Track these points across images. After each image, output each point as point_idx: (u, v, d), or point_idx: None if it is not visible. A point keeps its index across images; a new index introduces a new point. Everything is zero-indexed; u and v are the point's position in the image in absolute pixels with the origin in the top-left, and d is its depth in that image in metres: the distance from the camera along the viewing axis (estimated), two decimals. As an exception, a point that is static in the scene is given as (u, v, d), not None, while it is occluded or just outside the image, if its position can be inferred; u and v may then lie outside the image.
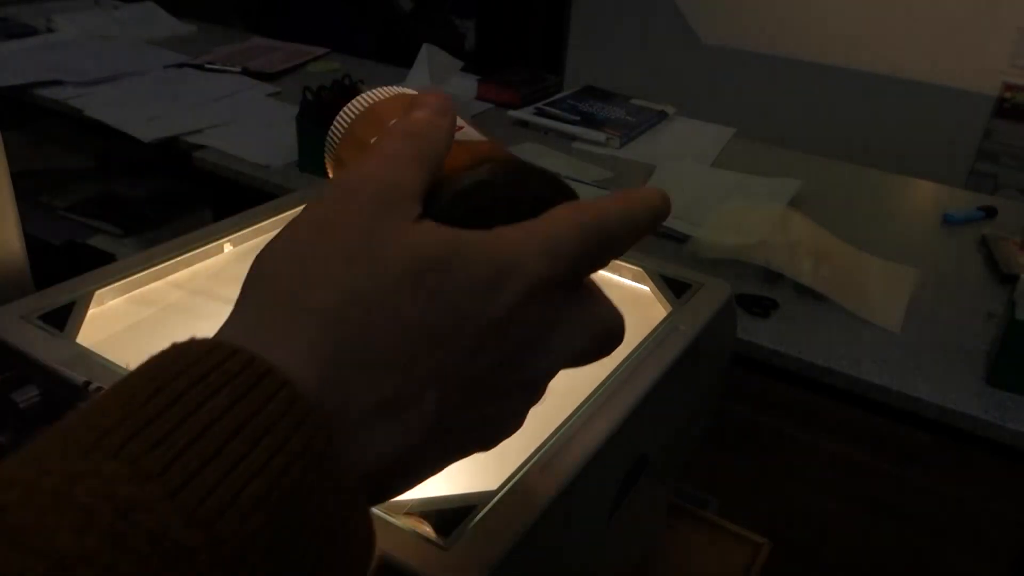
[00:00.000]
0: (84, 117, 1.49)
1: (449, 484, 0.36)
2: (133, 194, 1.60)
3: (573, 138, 1.50)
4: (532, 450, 0.39)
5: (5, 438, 0.42)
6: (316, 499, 0.21)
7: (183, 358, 0.22)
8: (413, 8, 2.57)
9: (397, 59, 1.81)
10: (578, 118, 1.54)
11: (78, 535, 0.18)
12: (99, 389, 0.40)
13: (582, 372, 0.43)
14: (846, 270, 1.09)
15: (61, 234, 1.47)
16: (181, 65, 1.78)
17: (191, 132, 1.42)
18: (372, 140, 0.31)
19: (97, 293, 0.50)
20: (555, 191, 0.30)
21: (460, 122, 0.31)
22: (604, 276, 0.59)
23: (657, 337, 0.49)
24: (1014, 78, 2.06)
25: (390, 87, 0.36)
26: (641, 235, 0.30)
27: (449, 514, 0.34)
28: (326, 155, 0.36)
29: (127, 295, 0.52)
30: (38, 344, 0.44)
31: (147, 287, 0.53)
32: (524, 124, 1.55)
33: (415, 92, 0.33)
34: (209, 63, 1.79)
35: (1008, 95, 2.08)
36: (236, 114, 1.52)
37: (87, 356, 0.44)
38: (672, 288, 0.55)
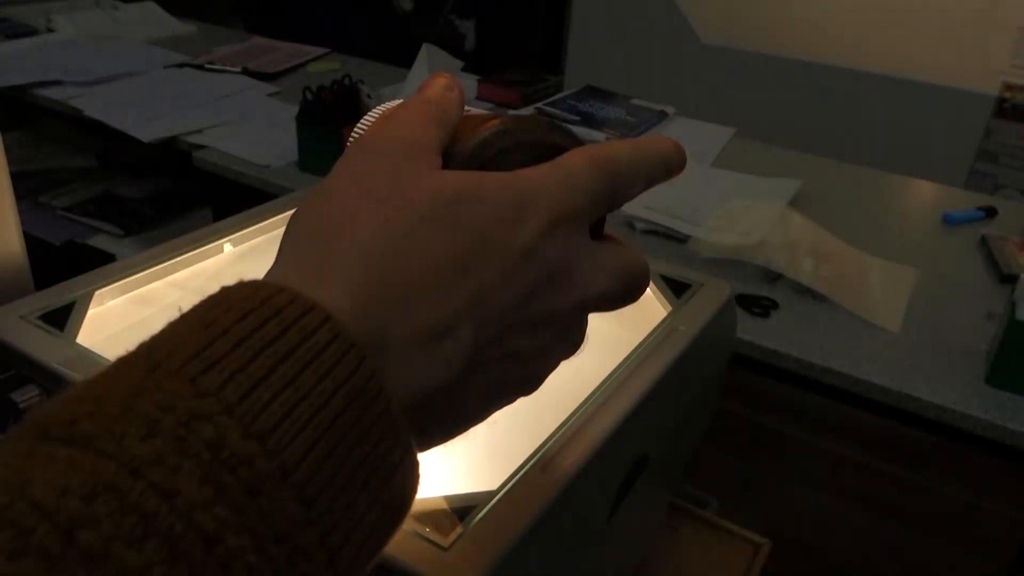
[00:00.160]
0: (84, 117, 1.49)
1: (449, 484, 0.36)
2: (133, 194, 1.60)
3: (573, 138, 1.50)
4: (532, 450, 0.39)
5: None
6: (363, 424, 0.22)
7: (232, 295, 0.23)
8: (413, 8, 2.56)
9: (397, 59, 1.80)
10: (578, 118, 1.54)
11: (144, 440, 0.19)
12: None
13: (582, 372, 0.43)
14: (846, 270, 1.09)
15: (61, 234, 1.46)
16: (181, 65, 1.78)
17: (191, 132, 1.42)
18: None
19: (97, 293, 0.50)
20: (567, 139, 0.32)
21: (467, 108, 0.33)
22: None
23: (657, 337, 0.49)
24: (1014, 78, 2.06)
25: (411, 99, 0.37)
26: (654, 178, 0.32)
27: (449, 514, 0.34)
28: None
29: (127, 295, 0.52)
30: (38, 344, 0.44)
31: (147, 287, 0.53)
32: (524, 124, 1.55)
33: None
34: (209, 63, 1.79)
35: (1008, 95, 2.08)
36: (236, 114, 1.52)
37: (87, 356, 0.44)
38: (672, 288, 0.55)
